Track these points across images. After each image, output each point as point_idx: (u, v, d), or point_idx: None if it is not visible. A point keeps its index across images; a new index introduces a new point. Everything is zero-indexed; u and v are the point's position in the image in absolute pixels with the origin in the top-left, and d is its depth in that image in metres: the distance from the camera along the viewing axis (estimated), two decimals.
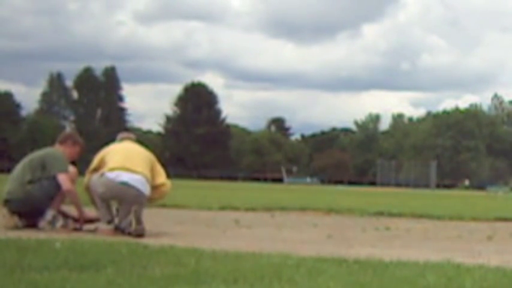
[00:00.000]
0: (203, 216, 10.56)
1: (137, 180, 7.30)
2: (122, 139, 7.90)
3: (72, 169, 7.63)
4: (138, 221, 7.03)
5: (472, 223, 11.19)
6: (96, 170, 7.46)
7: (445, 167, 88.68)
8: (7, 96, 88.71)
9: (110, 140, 8.08)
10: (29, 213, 7.38)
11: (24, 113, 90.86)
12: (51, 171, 7.42)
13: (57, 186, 7.40)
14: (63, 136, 7.94)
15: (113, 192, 7.24)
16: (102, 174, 7.31)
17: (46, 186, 7.37)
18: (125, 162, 7.36)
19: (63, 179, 7.38)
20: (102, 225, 7.32)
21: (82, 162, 7.57)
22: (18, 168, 7.60)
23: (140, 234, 6.92)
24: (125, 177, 7.25)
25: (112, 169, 7.30)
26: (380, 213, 12.28)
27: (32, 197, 7.35)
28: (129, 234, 6.98)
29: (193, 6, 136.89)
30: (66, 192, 7.36)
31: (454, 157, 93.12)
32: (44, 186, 7.38)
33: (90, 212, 7.64)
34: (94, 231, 7.30)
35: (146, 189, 7.38)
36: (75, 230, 7.39)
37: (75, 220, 7.53)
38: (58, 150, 7.69)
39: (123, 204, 7.24)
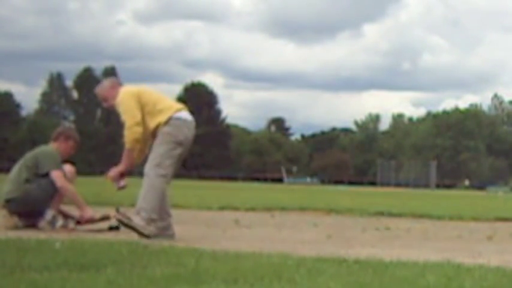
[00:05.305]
0: (203, 216, 10.56)
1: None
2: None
3: (70, 168, 7.60)
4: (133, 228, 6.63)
5: (472, 223, 11.19)
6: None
7: (445, 167, 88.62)
8: (7, 96, 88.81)
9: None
10: (28, 213, 7.37)
11: (24, 113, 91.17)
12: (44, 168, 7.39)
13: (55, 185, 7.39)
14: (55, 133, 7.89)
15: (192, 132, 7.08)
16: (179, 118, 6.85)
17: (44, 185, 7.35)
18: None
19: (56, 175, 7.34)
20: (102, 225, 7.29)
21: (82, 162, 7.53)
22: (15, 168, 7.59)
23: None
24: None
25: (179, 109, 6.93)
26: (380, 213, 12.28)
27: (31, 196, 7.33)
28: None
29: (193, 6, 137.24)
30: (59, 189, 7.33)
31: (454, 157, 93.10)
32: (42, 185, 7.36)
33: (91, 211, 7.63)
34: (99, 231, 7.25)
35: None
36: (77, 223, 7.41)
37: (78, 222, 7.50)
38: (51, 147, 7.67)
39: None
